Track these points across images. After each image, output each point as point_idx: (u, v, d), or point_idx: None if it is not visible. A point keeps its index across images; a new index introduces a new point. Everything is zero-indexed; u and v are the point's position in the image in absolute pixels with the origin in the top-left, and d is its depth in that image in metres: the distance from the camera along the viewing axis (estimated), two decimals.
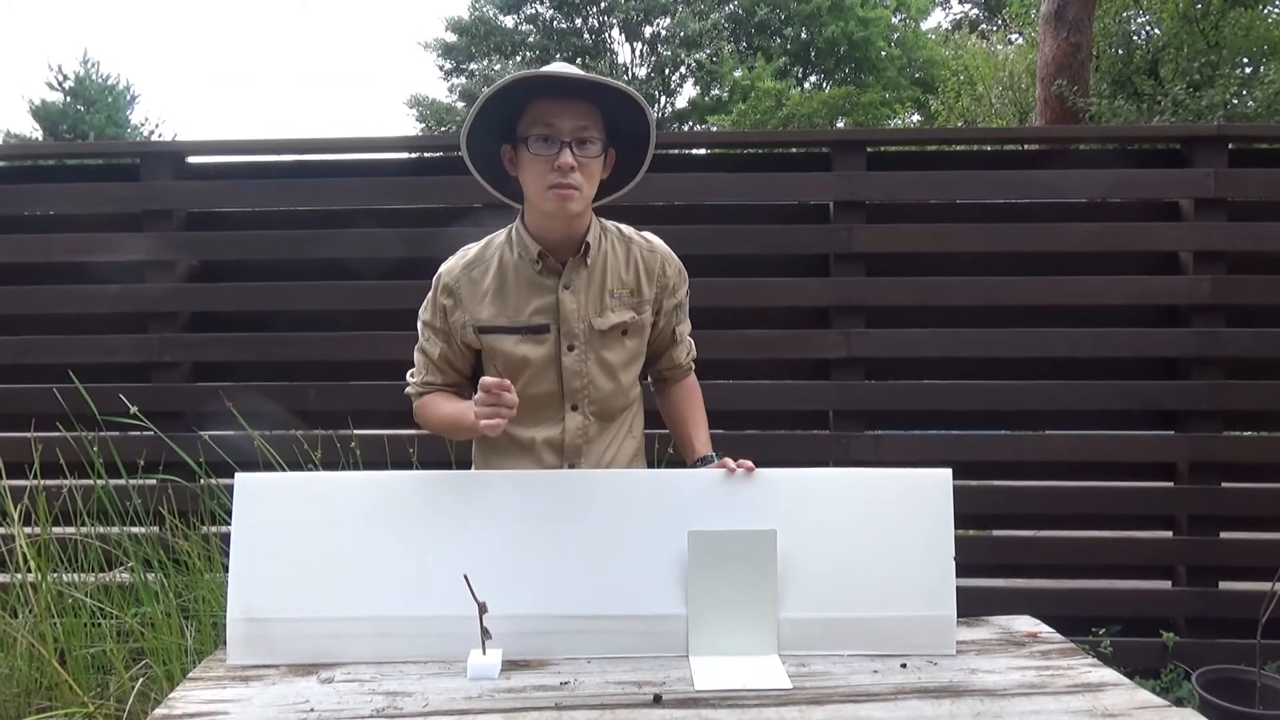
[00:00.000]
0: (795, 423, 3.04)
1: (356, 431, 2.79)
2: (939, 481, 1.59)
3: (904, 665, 1.50)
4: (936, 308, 2.90)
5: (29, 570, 2.37)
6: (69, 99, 25.44)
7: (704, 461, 1.73)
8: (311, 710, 1.35)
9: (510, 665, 1.50)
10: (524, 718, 1.32)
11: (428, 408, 1.76)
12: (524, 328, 1.66)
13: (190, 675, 1.52)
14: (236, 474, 1.60)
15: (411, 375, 1.79)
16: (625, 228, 1.75)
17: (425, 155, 3.56)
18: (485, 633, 1.47)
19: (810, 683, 1.43)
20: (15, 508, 2.43)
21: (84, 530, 2.51)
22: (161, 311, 2.96)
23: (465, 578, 1.44)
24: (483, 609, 1.45)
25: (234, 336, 2.97)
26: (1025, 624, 1.69)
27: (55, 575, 2.45)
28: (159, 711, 1.37)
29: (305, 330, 2.96)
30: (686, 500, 1.58)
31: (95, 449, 2.53)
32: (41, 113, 24.95)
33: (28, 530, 2.47)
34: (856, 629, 1.54)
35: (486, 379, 1.52)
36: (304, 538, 1.56)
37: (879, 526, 1.58)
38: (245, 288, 2.96)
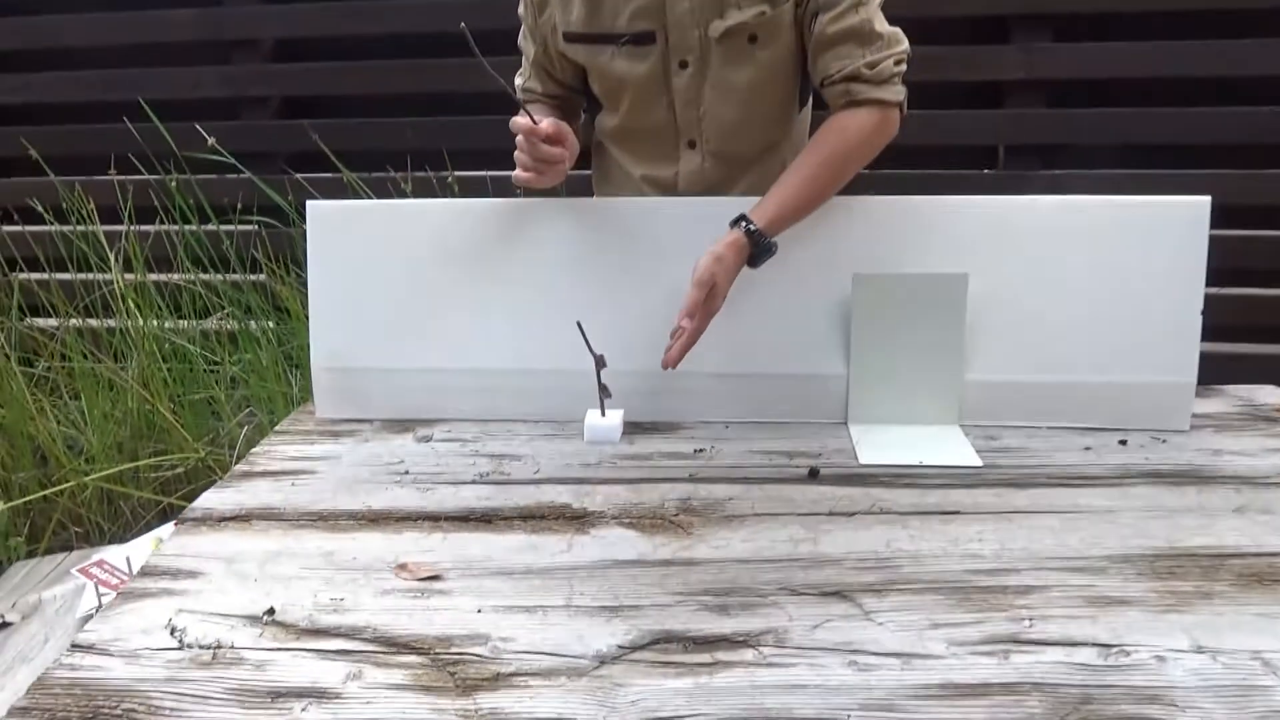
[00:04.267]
0: (953, 160, 2.58)
1: (457, 173, 2.52)
2: (1193, 212, 1.20)
3: (1123, 442, 1.19)
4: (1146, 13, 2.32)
5: (128, 316, 2.29)
6: None
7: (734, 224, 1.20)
8: (406, 472, 1.17)
9: (634, 428, 1.27)
10: (652, 490, 1.09)
11: None
12: (621, 35, 1.26)
13: (277, 428, 1.37)
14: (308, 202, 1.35)
15: (519, 75, 1.45)
16: None
17: None
18: (604, 390, 1.23)
19: (1005, 460, 1.15)
20: (111, 252, 2.32)
21: (184, 276, 2.39)
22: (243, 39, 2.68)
23: (579, 325, 1.19)
24: (600, 362, 1.21)
25: (323, 66, 2.69)
26: (1272, 395, 1.35)
27: (157, 322, 2.35)
28: (239, 468, 1.21)
29: (399, 58, 2.64)
30: (851, 233, 1.26)
31: (180, 192, 2.35)
32: None
33: (127, 276, 2.36)
34: (1061, 395, 1.23)
35: (516, 120, 1.16)
36: (391, 275, 1.33)
37: (1103, 270, 1.22)
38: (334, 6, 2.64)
